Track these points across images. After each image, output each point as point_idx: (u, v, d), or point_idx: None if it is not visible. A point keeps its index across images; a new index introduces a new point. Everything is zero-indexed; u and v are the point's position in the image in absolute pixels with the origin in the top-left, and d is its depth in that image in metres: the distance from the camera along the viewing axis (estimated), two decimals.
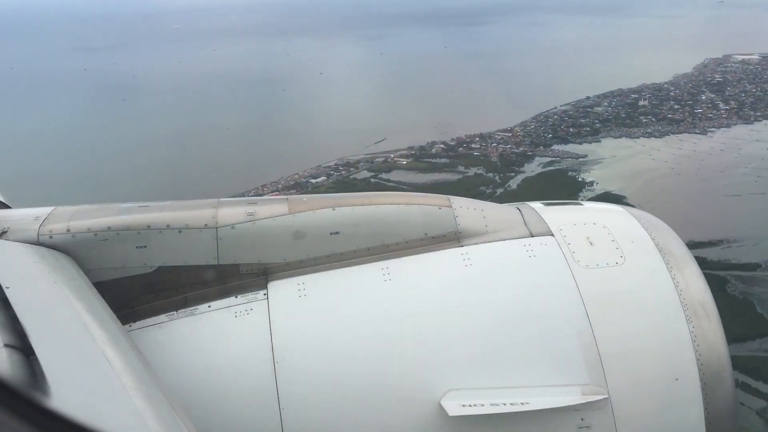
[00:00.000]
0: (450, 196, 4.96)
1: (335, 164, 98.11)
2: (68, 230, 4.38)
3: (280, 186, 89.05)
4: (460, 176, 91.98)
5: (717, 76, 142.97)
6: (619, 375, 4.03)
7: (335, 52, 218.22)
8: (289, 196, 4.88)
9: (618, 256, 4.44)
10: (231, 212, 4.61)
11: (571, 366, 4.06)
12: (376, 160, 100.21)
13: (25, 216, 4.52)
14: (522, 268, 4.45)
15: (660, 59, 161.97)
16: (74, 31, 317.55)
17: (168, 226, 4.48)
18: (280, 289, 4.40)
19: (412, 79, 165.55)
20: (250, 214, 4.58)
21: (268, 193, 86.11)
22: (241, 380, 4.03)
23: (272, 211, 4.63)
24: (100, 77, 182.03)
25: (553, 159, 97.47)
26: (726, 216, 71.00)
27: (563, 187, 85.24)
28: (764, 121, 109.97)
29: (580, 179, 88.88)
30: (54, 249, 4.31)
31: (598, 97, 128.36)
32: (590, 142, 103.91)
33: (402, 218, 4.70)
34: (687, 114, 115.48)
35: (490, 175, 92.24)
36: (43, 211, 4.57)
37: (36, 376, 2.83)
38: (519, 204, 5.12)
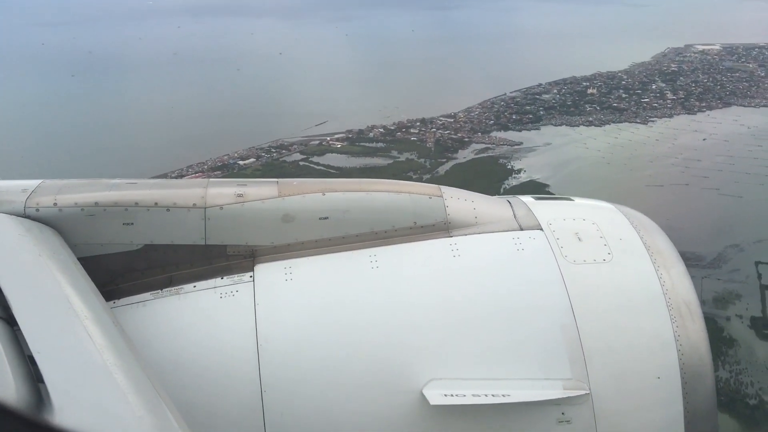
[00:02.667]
0: (441, 186, 4.93)
1: (268, 146, 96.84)
2: (55, 204, 4.34)
3: (206, 167, 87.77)
4: (391, 161, 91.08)
5: (673, 65, 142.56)
6: (602, 371, 4.04)
7: (300, 33, 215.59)
8: (279, 180, 4.85)
9: (606, 253, 4.43)
10: (220, 192, 4.57)
11: (554, 360, 4.06)
12: (311, 143, 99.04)
13: (11, 188, 4.46)
14: (510, 260, 4.45)
15: (621, 47, 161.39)
16: (42, 5, 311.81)
17: (156, 204, 4.43)
18: (266, 272, 4.38)
19: (372, 62, 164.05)
20: (239, 196, 4.55)
21: (191, 174, 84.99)
22: (224, 361, 3.99)
23: (261, 193, 4.60)
24: (56, 53, 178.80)
25: (488, 146, 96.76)
26: (641, 206, 69.84)
27: (491, 174, 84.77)
28: (707, 112, 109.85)
29: (509, 167, 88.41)
30: (40, 222, 4.28)
31: (549, 84, 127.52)
32: (530, 130, 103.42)
33: (392, 206, 4.69)
34: (633, 103, 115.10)
35: (422, 160, 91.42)
36: (31, 183, 4.51)
37: (20, 344, 2.90)
38: (510, 197, 5.10)
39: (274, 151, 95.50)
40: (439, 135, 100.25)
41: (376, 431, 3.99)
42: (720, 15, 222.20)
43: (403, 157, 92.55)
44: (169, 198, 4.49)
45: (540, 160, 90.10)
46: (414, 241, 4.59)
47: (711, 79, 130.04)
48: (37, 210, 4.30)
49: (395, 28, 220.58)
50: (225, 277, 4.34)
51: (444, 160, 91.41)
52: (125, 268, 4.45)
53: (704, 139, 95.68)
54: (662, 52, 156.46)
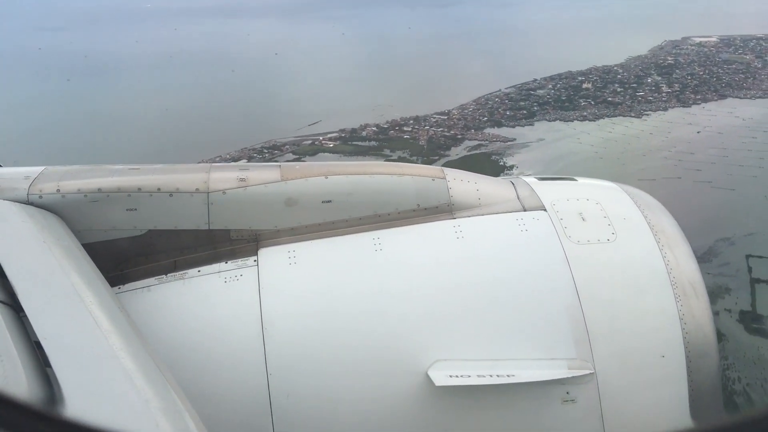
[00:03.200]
0: (444, 168, 4.98)
1: (261, 147, 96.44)
2: (58, 190, 4.35)
3: None
4: (383, 159, 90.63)
5: (669, 58, 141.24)
6: (606, 350, 4.03)
7: (297, 32, 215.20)
8: (281, 163, 4.83)
9: (610, 232, 4.42)
10: (223, 177, 4.58)
11: (559, 340, 4.04)
12: (304, 143, 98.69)
13: (15, 175, 4.47)
14: (513, 241, 4.45)
15: (618, 41, 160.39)
16: (42, 10, 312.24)
17: (159, 189, 4.44)
18: (270, 256, 4.37)
19: (368, 60, 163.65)
20: (242, 180, 4.53)
21: None
22: (229, 345, 4.01)
23: (264, 177, 4.58)
24: (52, 57, 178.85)
25: (481, 143, 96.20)
26: None
27: (482, 171, 78.22)
28: (702, 105, 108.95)
29: (501, 163, 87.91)
30: (44, 209, 4.27)
31: (545, 79, 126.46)
32: (523, 126, 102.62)
33: (395, 189, 4.67)
34: (627, 97, 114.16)
35: (414, 158, 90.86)
36: (34, 170, 4.55)
37: (26, 330, 2.92)
38: (513, 178, 5.17)
39: (266, 151, 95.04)
40: (432, 132, 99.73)
41: (382, 412, 3.98)
42: (719, 6, 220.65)
43: (395, 156, 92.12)
44: (172, 183, 4.49)
45: (533, 155, 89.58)
46: (417, 223, 4.61)
47: (707, 71, 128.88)
48: (41, 197, 4.31)
49: (392, 26, 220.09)
50: (229, 262, 4.34)
51: (436, 157, 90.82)
52: (129, 254, 4.46)
53: (698, 132, 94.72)
54: (659, 45, 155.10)
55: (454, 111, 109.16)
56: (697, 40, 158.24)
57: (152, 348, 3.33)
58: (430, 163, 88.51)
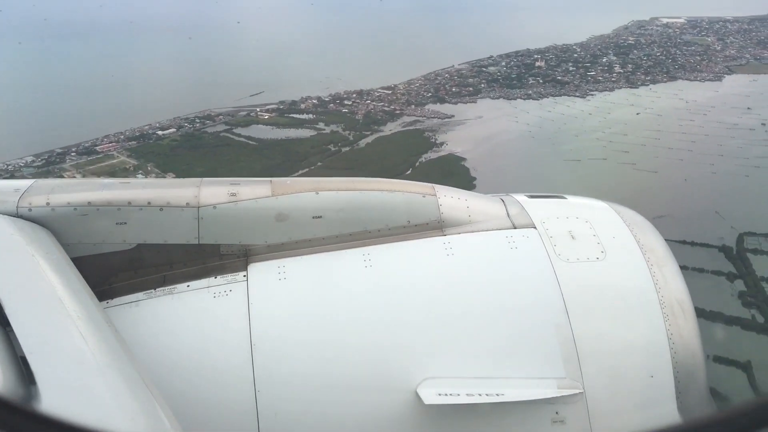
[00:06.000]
0: (434, 185, 4.89)
1: (194, 116, 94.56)
2: (48, 203, 4.30)
3: (122, 137, 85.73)
4: (315, 133, 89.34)
5: (631, 38, 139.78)
6: (595, 370, 4.03)
7: (264, 1, 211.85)
8: (272, 179, 4.79)
9: (599, 251, 4.43)
10: (213, 192, 4.54)
11: (548, 359, 4.05)
12: (239, 113, 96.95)
13: (4, 187, 4.44)
14: (503, 259, 4.44)
15: (585, 20, 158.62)
16: None
17: (149, 203, 4.41)
18: (260, 271, 4.36)
19: (330, 31, 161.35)
20: (233, 195, 4.51)
21: (106, 143, 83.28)
22: (218, 361, 3.99)
23: (255, 192, 4.57)
24: (9, 19, 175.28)
25: (419, 119, 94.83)
26: (553, 180, 69.02)
27: (411, 147, 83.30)
28: (650, 86, 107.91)
29: (432, 140, 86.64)
30: (33, 222, 4.23)
31: (500, 56, 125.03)
32: (466, 103, 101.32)
33: (385, 205, 4.66)
34: (578, 77, 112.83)
35: (346, 132, 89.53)
36: (23, 183, 4.49)
37: (12, 345, 2.88)
38: (503, 195, 5.09)
39: (198, 121, 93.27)
40: (372, 107, 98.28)
41: (371, 431, 3.95)
42: None
43: (328, 129, 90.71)
44: (162, 197, 4.43)
45: (466, 133, 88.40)
46: (407, 239, 4.56)
47: (665, 52, 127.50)
48: (30, 210, 4.24)
49: None
50: (218, 277, 4.32)
51: (369, 132, 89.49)
52: (118, 268, 4.40)
53: (638, 114, 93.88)
54: (624, 25, 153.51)
55: (400, 86, 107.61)
56: (665, 20, 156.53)
57: (140, 364, 3.28)
58: (361, 137, 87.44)
